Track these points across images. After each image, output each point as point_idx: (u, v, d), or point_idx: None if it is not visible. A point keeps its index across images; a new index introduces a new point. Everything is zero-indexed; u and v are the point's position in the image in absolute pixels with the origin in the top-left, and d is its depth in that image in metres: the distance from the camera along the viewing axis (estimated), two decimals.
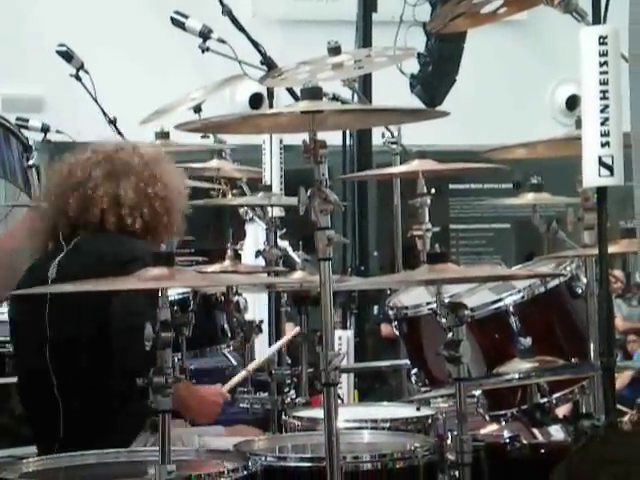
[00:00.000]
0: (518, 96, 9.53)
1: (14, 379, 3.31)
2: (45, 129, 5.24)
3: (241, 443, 2.79)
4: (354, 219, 6.32)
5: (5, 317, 3.37)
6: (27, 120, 5.12)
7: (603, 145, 2.11)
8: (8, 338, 3.50)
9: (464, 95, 6.85)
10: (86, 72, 4.89)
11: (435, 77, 6.68)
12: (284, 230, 4.30)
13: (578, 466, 1.30)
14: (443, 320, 2.76)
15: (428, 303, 3.24)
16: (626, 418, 1.28)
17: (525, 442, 2.86)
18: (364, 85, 6.19)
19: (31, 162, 3.94)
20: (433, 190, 3.92)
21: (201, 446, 3.02)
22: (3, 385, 3.81)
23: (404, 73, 6.52)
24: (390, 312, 3.45)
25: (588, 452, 1.31)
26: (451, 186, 10.41)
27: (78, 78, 4.90)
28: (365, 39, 6.45)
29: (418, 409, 3.12)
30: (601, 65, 2.12)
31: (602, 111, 2.12)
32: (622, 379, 7.25)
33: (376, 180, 6.73)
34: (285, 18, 9.29)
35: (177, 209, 3.26)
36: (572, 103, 9.54)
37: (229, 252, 4.09)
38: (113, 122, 5.03)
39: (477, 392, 3.13)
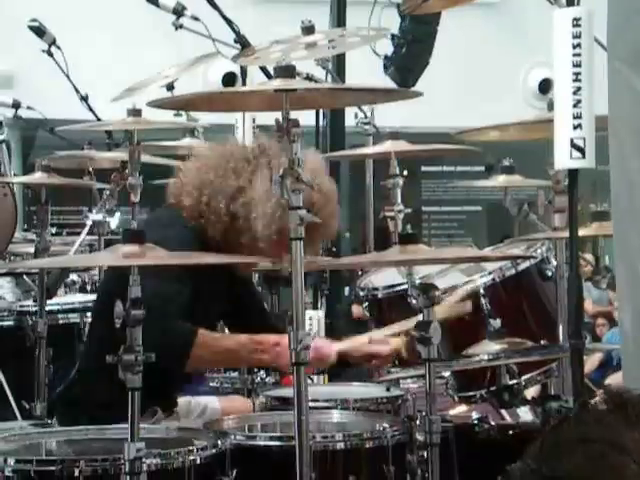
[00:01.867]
0: (491, 79, 9.55)
1: None
2: (16, 105, 5.20)
3: (210, 422, 2.79)
4: None
5: None
6: None
7: (575, 127, 2.12)
8: None
9: (437, 77, 6.85)
10: (58, 48, 4.85)
11: (409, 59, 6.65)
12: None
13: (551, 445, 1.30)
14: (414, 301, 2.77)
15: (399, 284, 3.25)
16: (597, 398, 1.29)
17: (493, 423, 2.87)
18: (338, 66, 6.17)
19: (1, 138, 3.91)
20: (405, 172, 3.92)
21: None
22: None
23: (378, 54, 6.50)
24: (361, 293, 3.46)
25: (561, 431, 1.31)
26: (423, 168, 10.44)
27: (50, 54, 4.87)
28: (339, 19, 6.42)
29: (388, 389, 3.13)
30: (574, 47, 2.13)
31: (574, 93, 2.13)
32: (591, 362, 7.32)
33: (349, 161, 6.73)
34: None
35: None
36: (545, 87, 9.57)
37: None
38: (85, 99, 5.00)
39: (447, 373, 3.15)
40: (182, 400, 3.43)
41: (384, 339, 3.18)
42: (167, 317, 2.79)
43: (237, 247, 3.05)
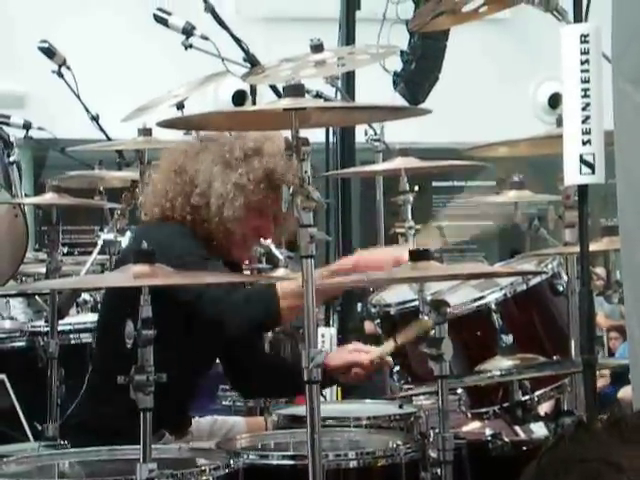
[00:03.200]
0: (501, 94, 9.56)
1: None
2: (27, 126, 5.21)
3: (223, 441, 2.79)
4: (337, 217, 6.30)
5: None
6: (8, 117, 5.09)
7: (584, 143, 2.12)
8: None
9: (447, 93, 6.85)
10: (68, 68, 4.88)
11: (418, 75, 6.67)
12: None
13: (546, 466, 1.29)
14: (425, 317, 2.76)
15: (411, 300, 3.24)
16: (603, 416, 1.28)
17: (507, 440, 2.86)
18: (347, 83, 6.18)
19: (12, 159, 3.92)
20: (416, 187, 3.92)
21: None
22: None
23: (387, 71, 6.52)
24: (373, 310, 3.45)
25: (556, 452, 1.30)
26: (434, 183, 10.44)
27: (60, 75, 4.89)
28: (348, 37, 6.44)
29: (400, 406, 3.12)
30: (582, 63, 2.13)
31: (583, 109, 2.13)
32: (606, 377, 7.26)
33: (359, 177, 6.73)
34: (268, 15, 9.30)
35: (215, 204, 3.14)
36: (554, 101, 9.57)
37: None
38: (95, 119, 5.02)
39: (459, 389, 3.13)
40: (206, 420, 3.42)
41: (363, 347, 3.17)
42: (232, 291, 2.87)
43: (214, 237, 3.14)
